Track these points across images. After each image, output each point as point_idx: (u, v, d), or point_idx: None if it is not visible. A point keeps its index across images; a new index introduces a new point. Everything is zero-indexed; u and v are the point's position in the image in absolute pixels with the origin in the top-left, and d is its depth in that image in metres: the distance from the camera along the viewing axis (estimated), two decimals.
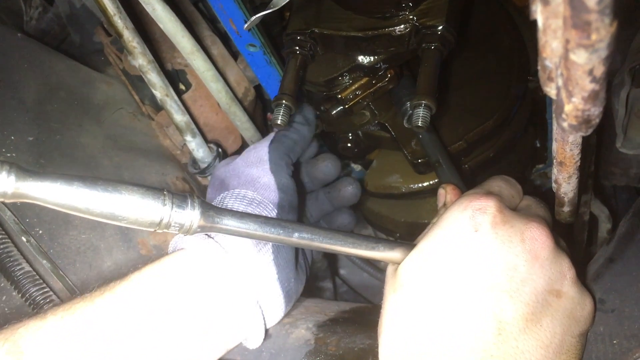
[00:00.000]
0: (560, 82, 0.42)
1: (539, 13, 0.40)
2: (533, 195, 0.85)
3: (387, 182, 1.18)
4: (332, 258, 1.46)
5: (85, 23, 1.31)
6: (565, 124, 0.45)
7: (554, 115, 0.48)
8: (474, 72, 1.15)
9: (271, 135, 1.04)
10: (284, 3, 0.76)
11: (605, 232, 1.19)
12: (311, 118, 1.09)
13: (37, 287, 0.85)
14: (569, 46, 0.38)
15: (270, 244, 0.86)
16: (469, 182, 1.04)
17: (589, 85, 0.40)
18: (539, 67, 0.46)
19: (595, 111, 0.43)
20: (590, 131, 0.47)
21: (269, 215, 0.89)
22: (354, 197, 1.15)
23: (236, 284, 0.80)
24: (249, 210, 0.89)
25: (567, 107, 0.43)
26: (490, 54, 1.16)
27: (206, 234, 0.82)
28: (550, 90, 0.46)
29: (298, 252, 0.95)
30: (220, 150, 1.19)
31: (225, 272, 0.80)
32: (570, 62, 0.39)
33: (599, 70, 0.39)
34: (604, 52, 0.38)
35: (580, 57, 0.38)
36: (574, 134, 0.54)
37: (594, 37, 0.37)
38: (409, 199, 1.19)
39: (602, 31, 0.36)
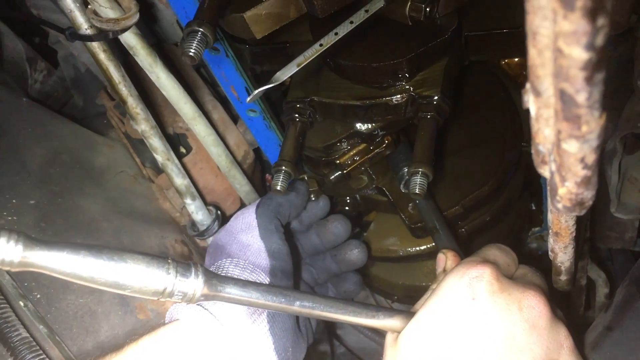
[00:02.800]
0: (553, 166, 0.44)
1: (531, 103, 0.42)
2: (529, 263, 0.85)
3: (385, 245, 1.18)
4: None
5: (89, 87, 1.35)
6: (559, 205, 0.47)
7: (548, 195, 0.50)
8: (469, 138, 1.17)
9: (258, 200, 1.03)
10: (285, 78, 0.79)
11: (602, 297, 1.19)
12: (301, 188, 1.08)
13: (34, 354, 0.84)
14: (560, 136, 0.40)
15: (265, 313, 0.85)
16: (466, 246, 1.05)
17: (581, 172, 0.42)
18: (532, 151, 0.47)
19: (588, 195, 0.44)
20: (584, 212, 0.48)
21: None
22: (360, 260, 1.12)
23: (231, 355, 0.79)
24: (243, 278, 0.88)
25: (561, 191, 0.44)
26: (485, 121, 1.18)
27: (201, 305, 0.82)
28: (545, 172, 0.47)
29: (298, 319, 0.95)
30: (219, 212, 1.20)
31: (220, 344, 0.79)
32: (562, 150, 0.41)
33: (591, 158, 0.41)
34: (594, 142, 0.39)
35: (572, 146, 0.40)
36: (569, 214, 0.56)
37: (584, 129, 0.38)
38: (407, 262, 1.19)
39: (592, 123, 0.38)
